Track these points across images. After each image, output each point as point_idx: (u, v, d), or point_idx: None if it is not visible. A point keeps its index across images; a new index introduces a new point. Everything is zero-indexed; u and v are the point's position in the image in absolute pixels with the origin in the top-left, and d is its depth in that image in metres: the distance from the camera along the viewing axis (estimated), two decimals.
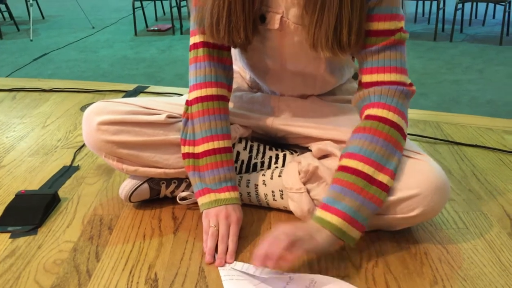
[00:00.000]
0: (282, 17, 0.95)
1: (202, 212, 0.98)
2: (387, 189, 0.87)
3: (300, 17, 0.92)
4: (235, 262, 0.91)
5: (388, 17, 0.90)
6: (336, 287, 0.83)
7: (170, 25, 5.50)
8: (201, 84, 1.02)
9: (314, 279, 0.83)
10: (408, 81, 0.93)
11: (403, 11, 0.92)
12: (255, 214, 1.07)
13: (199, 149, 1.00)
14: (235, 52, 1.12)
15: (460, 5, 4.66)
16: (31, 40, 5.12)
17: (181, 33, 5.32)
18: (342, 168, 0.88)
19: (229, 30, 0.93)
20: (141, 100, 1.10)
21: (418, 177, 0.89)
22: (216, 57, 1.03)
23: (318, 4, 0.86)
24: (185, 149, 1.01)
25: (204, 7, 0.94)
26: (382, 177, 0.87)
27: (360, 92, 0.94)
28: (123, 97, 1.88)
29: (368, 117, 0.91)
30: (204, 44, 1.02)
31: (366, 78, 0.93)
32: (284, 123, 1.10)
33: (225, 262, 0.90)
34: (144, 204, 1.13)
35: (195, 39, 1.03)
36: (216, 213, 0.96)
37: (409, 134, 1.45)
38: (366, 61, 0.93)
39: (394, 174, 0.88)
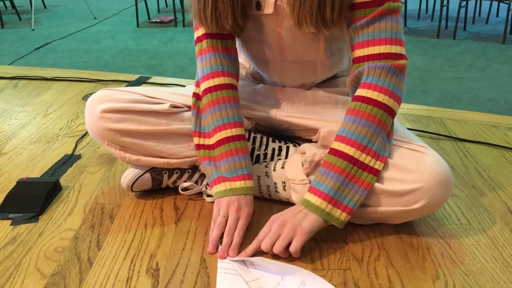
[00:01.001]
0: (276, 1, 0.94)
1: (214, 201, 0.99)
2: (372, 170, 0.89)
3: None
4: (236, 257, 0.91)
5: None
6: None
7: (172, 17, 5.47)
8: (208, 75, 1.01)
9: (304, 281, 0.83)
10: (402, 51, 0.92)
11: None
12: (257, 206, 1.07)
13: (212, 140, 1.00)
14: (238, 44, 1.12)
15: (464, 3, 4.64)
16: (33, 30, 5.09)
17: (183, 26, 5.30)
18: (329, 151, 0.91)
19: (216, 16, 0.93)
20: (144, 89, 1.10)
21: (422, 169, 0.89)
22: (220, 47, 1.02)
23: None
24: (199, 140, 1.02)
25: None
26: (364, 157, 0.89)
27: (353, 76, 0.94)
28: (126, 86, 1.87)
29: (354, 98, 0.92)
30: (206, 35, 1.02)
31: (358, 52, 0.93)
32: (288, 114, 1.09)
33: (227, 255, 0.90)
34: (145, 194, 1.12)
35: (198, 32, 1.03)
36: (228, 203, 0.95)
37: (412, 129, 1.45)
38: (358, 35, 0.92)
39: (377, 154, 0.89)
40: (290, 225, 0.88)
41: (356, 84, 0.95)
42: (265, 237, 0.89)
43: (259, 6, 0.96)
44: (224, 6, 0.92)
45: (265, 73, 1.12)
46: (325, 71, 1.09)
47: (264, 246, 0.88)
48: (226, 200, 0.96)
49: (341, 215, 0.88)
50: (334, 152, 0.90)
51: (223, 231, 0.93)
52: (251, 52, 1.08)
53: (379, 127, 0.90)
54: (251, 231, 0.98)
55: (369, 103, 0.90)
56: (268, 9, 0.96)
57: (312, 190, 0.90)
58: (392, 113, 0.91)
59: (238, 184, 0.96)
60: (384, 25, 0.90)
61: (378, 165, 0.89)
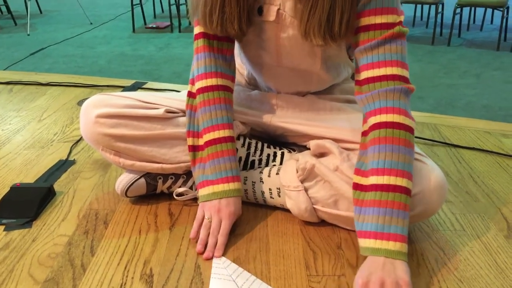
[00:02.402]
0: (278, 9, 0.95)
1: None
2: (406, 190, 0.84)
3: (295, 10, 0.92)
4: (229, 262, 0.91)
5: (385, 11, 0.88)
6: None
7: (168, 23, 5.48)
8: (202, 75, 1.02)
9: None
10: (407, 75, 0.91)
11: (401, 8, 0.91)
12: (251, 212, 1.07)
13: (201, 141, 1.01)
14: (235, 46, 1.12)
15: (458, 10, 4.67)
16: (28, 35, 5.09)
17: (179, 31, 5.30)
18: (378, 187, 0.83)
19: (223, 21, 0.93)
20: (139, 94, 1.10)
21: (417, 176, 0.89)
22: (216, 48, 1.03)
23: None
24: (192, 141, 1.02)
25: None
26: (407, 182, 0.84)
27: (360, 96, 0.92)
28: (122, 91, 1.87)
29: (381, 125, 0.87)
30: (203, 34, 1.02)
31: (367, 73, 0.90)
32: (283, 120, 1.09)
33: (213, 255, 0.92)
34: (140, 199, 1.12)
35: (195, 30, 1.04)
36: (210, 207, 0.97)
37: None
38: (366, 56, 0.90)
39: (410, 174, 0.85)
40: (390, 281, 0.78)
41: (366, 108, 0.92)
42: None
43: (260, 12, 0.96)
44: (232, 11, 0.92)
45: (260, 77, 1.12)
46: (321, 83, 1.10)
47: None
48: (208, 204, 0.98)
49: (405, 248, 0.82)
50: (387, 187, 0.83)
51: (209, 232, 0.95)
52: (248, 55, 1.09)
53: (405, 147, 0.85)
54: (244, 236, 0.98)
55: (400, 128, 0.86)
56: (270, 16, 0.96)
57: (382, 236, 0.81)
58: (411, 130, 0.88)
59: (221, 187, 0.97)
60: (395, 47, 0.89)
61: (409, 184, 0.84)
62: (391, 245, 0.80)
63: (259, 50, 1.04)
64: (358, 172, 0.89)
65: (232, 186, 0.98)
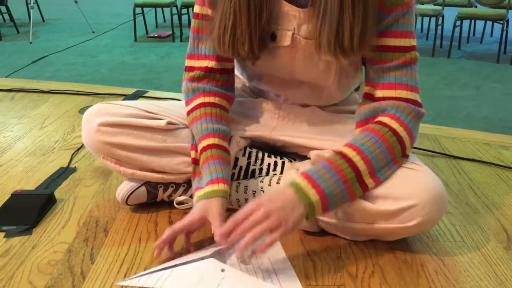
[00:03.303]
0: (293, 33, 0.96)
1: None
2: (363, 184, 0.89)
3: (308, 31, 0.94)
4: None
5: (404, 34, 0.92)
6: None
7: (170, 32, 5.51)
8: (200, 94, 1.05)
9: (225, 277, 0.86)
10: (419, 100, 0.96)
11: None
12: None
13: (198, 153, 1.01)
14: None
15: (458, 22, 4.71)
16: (31, 43, 5.12)
17: (181, 41, 5.33)
18: (340, 153, 0.90)
19: (234, 42, 0.94)
20: (142, 104, 1.10)
21: (417, 187, 0.90)
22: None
23: (320, 13, 0.88)
24: (193, 154, 1.03)
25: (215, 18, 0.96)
26: (369, 181, 0.89)
27: (371, 103, 0.95)
28: (123, 100, 1.87)
29: (380, 122, 0.93)
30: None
31: (380, 93, 0.95)
32: (283, 134, 1.09)
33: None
34: (140, 207, 1.12)
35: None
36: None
37: None
38: (382, 76, 0.95)
39: (373, 171, 0.90)
40: (276, 218, 0.82)
41: (373, 111, 0.95)
42: (243, 220, 0.84)
43: (274, 37, 0.97)
44: (242, 33, 0.93)
45: (270, 88, 1.13)
46: (330, 99, 1.10)
47: (241, 230, 0.82)
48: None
49: (319, 214, 0.89)
50: (347, 159, 0.89)
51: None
52: (257, 73, 1.09)
53: (387, 150, 0.90)
54: None
55: (393, 134, 0.91)
56: (285, 41, 0.97)
57: (311, 181, 0.86)
58: (403, 147, 0.92)
59: (201, 191, 0.95)
60: (410, 72, 0.94)
61: (369, 182, 0.89)
62: (311, 193, 0.85)
63: (272, 71, 1.05)
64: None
65: (210, 188, 0.95)
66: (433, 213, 0.90)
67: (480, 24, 5.80)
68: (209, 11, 0.99)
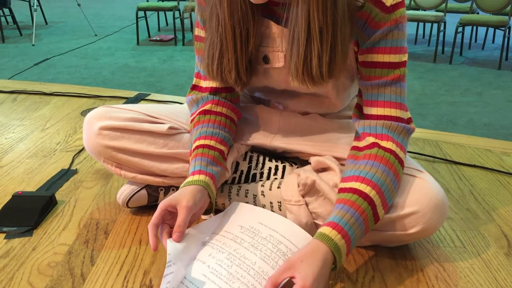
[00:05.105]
0: (285, 54, 0.94)
1: None
2: (376, 216, 0.86)
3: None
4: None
5: (393, 50, 0.89)
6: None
7: (172, 36, 5.53)
8: (204, 108, 1.04)
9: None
10: (408, 116, 0.95)
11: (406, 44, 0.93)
12: None
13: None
14: None
15: (460, 29, 4.71)
16: (33, 45, 5.13)
17: (183, 44, 5.35)
18: (357, 192, 0.85)
19: (221, 71, 0.93)
20: (144, 107, 1.10)
21: (417, 194, 0.90)
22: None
23: (290, 39, 0.86)
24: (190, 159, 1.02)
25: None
26: (381, 212, 0.86)
27: (362, 121, 0.94)
28: (124, 103, 1.88)
29: (380, 147, 0.90)
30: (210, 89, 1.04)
31: (370, 110, 0.93)
32: (283, 141, 1.09)
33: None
34: (141, 210, 1.12)
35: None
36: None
37: (408, 151, 1.46)
38: (371, 94, 0.93)
39: (386, 201, 0.87)
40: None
41: (367, 128, 0.93)
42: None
43: (267, 60, 0.96)
44: (229, 61, 0.92)
45: (268, 98, 1.13)
46: (331, 107, 1.09)
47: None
48: None
49: (343, 261, 0.82)
50: (361, 194, 0.84)
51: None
52: (256, 86, 1.09)
53: (394, 175, 0.88)
54: None
55: (396, 158, 0.89)
56: (278, 62, 0.96)
57: (343, 233, 0.80)
58: (402, 165, 0.91)
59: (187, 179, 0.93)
60: (399, 90, 0.91)
61: (381, 213, 0.86)
62: (341, 244, 0.79)
63: (266, 87, 1.05)
64: (343, 180, 0.90)
65: (189, 178, 0.93)
66: (434, 220, 0.90)
67: (482, 30, 5.81)
68: (203, 34, 1.00)
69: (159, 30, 6.26)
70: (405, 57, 0.91)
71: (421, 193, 0.90)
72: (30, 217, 1.07)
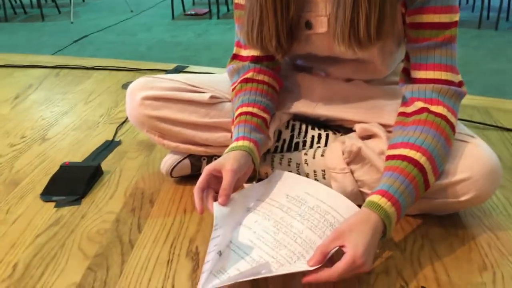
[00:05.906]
0: (328, 19, 0.91)
1: None
2: (427, 183, 0.83)
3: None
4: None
5: (444, 9, 0.84)
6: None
7: (207, 10, 5.49)
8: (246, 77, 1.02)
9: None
10: (459, 79, 0.90)
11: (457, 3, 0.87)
12: None
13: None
14: None
15: None
16: (72, 23, 5.21)
17: (218, 18, 5.31)
18: (407, 159, 0.82)
19: (261, 39, 0.91)
20: (185, 77, 1.10)
21: (470, 160, 0.86)
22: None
23: (335, 0, 0.83)
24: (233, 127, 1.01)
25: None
26: (431, 179, 0.83)
27: (411, 85, 0.90)
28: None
29: (429, 111, 0.86)
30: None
31: (418, 74, 0.89)
32: (326, 109, 1.06)
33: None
34: (184, 179, 1.13)
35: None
36: None
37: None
38: (419, 56, 0.88)
39: (436, 168, 0.83)
40: (366, 268, 0.74)
41: (416, 93, 0.89)
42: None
43: (309, 25, 0.93)
44: (269, 28, 0.90)
45: (311, 64, 1.10)
46: (376, 73, 1.05)
47: (331, 277, 0.72)
48: None
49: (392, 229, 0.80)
50: (411, 161, 0.81)
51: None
52: (298, 53, 1.05)
53: (445, 141, 0.84)
54: None
55: (447, 123, 0.85)
56: (321, 27, 0.93)
57: (393, 200, 0.78)
58: (453, 130, 0.87)
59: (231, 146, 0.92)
60: (450, 51, 0.87)
61: (431, 180, 0.83)
62: (392, 211, 0.77)
63: (308, 54, 1.02)
64: (391, 146, 0.87)
65: (233, 144, 0.92)
66: (487, 187, 0.86)
67: None
68: (243, 1, 0.97)
69: (193, 4, 6.23)
70: (456, 17, 0.86)
71: (473, 158, 0.86)
72: (78, 187, 1.09)
